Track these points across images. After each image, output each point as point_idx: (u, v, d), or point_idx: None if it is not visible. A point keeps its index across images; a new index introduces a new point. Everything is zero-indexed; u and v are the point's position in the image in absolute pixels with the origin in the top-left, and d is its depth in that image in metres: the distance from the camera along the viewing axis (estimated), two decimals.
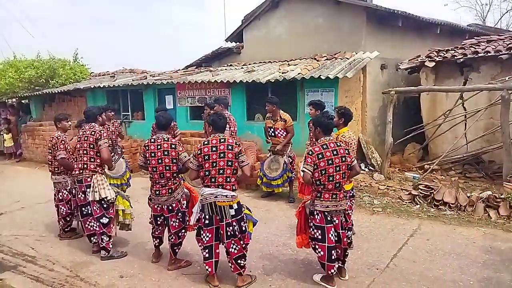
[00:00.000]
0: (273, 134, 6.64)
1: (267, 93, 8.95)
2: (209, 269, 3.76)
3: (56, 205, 5.29)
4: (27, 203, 7.15)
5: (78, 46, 38.28)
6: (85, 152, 4.52)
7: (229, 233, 3.64)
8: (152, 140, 4.13)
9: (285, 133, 6.58)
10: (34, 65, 13.35)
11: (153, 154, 4.06)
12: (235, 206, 3.67)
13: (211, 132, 3.86)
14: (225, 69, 10.87)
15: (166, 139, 4.10)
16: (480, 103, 7.77)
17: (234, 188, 3.70)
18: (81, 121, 5.88)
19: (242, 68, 10.53)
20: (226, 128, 5.73)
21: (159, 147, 4.06)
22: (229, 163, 3.64)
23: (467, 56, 7.98)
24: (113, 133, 6.69)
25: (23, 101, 14.51)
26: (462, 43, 9.07)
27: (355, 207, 6.14)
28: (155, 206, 4.19)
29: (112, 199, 4.51)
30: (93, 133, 4.53)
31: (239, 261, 3.73)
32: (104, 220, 4.50)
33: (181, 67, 13.47)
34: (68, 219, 5.29)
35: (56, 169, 5.20)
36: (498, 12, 23.35)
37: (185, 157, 4.11)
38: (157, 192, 4.10)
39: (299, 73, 8.13)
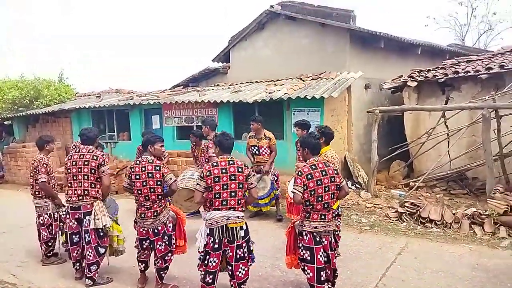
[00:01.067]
0: (257, 152, 6.65)
1: (254, 112, 9.00)
2: None
3: (37, 230, 5.14)
4: (8, 227, 6.94)
5: (63, 65, 38.20)
6: (85, 177, 4.31)
7: (238, 256, 3.58)
8: (137, 162, 4.10)
9: (269, 151, 6.60)
10: (18, 86, 13.21)
11: (138, 176, 4.01)
12: (244, 227, 3.65)
13: (218, 153, 3.81)
14: (212, 89, 10.93)
15: (151, 161, 4.07)
16: (462, 121, 7.97)
17: (243, 209, 3.69)
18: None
19: (229, 88, 10.61)
20: (213, 151, 5.72)
21: (143, 169, 4.02)
22: (240, 186, 3.60)
23: (448, 76, 8.23)
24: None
25: (5, 122, 14.25)
26: (443, 63, 9.35)
27: (342, 225, 6.18)
28: (141, 229, 4.11)
29: (109, 227, 4.39)
30: (95, 157, 4.33)
31: (242, 286, 3.67)
32: (101, 250, 4.37)
33: (168, 87, 13.50)
34: (50, 244, 5.13)
35: (37, 192, 5.07)
36: (476, 32, 24.11)
37: (171, 179, 4.07)
38: (143, 215, 4.04)
39: (285, 93, 8.24)
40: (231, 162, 3.64)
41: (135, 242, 4.25)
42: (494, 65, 7.77)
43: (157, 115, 10.60)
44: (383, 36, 9.37)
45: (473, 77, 7.96)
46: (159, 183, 4.01)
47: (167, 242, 4.09)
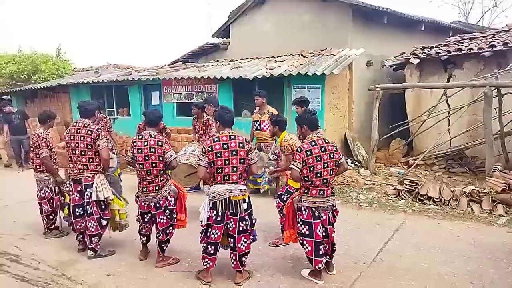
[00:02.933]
0: (258, 127, 6.61)
1: (254, 89, 8.92)
2: (210, 264, 3.72)
3: (39, 203, 5.20)
4: (10, 201, 7.00)
5: (61, 40, 37.66)
6: (83, 153, 4.31)
7: (241, 228, 3.63)
8: (140, 137, 4.09)
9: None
10: (16, 60, 13.06)
11: (140, 151, 4.01)
12: (247, 199, 3.69)
13: (218, 128, 3.80)
14: (212, 65, 10.81)
15: (153, 136, 4.06)
16: (464, 100, 7.93)
17: (245, 183, 3.73)
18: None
19: (229, 64, 10.49)
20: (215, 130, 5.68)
21: (145, 143, 4.01)
22: (242, 161, 3.62)
23: (451, 53, 8.12)
24: (103, 128, 6.61)
25: (4, 97, 14.15)
26: (446, 40, 9.22)
27: (341, 202, 6.24)
28: (142, 203, 4.14)
29: (111, 200, 4.43)
30: (89, 132, 4.30)
31: (243, 258, 3.73)
32: (103, 222, 4.42)
33: (167, 62, 13.34)
34: (52, 217, 5.19)
35: (38, 166, 5.10)
36: (481, 9, 23.69)
37: (171, 156, 4.07)
38: (144, 189, 4.06)
39: (286, 70, 8.14)
40: (232, 137, 3.63)
41: (137, 216, 4.29)
42: (498, 43, 7.66)
43: (156, 91, 10.52)
44: (386, 11, 9.18)
45: (476, 54, 7.86)
46: (161, 158, 4.01)
47: (168, 216, 4.13)
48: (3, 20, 39.10)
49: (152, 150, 3.99)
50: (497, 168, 6.47)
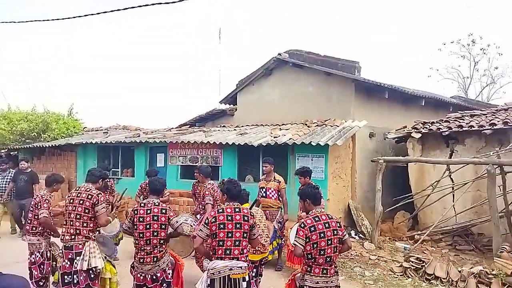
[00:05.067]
0: (264, 194, 6.55)
1: (259, 155, 9.06)
2: None
3: (29, 268, 5.00)
4: (4, 262, 6.77)
5: (74, 99, 39.03)
6: (78, 216, 4.24)
7: None
8: (142, 204, 4.03)
9: (276, 194, 6.51)
10: (28, 118, 13.43)
11: (141, 219, 3.93)
12: (247, 278, 3.55)
13: (225, 201, 3.75)
14: (218, 130, 11.07)
15: (157, 203, 4.03)
16: (467, 175, 7.94)
17: (246, 259, 3.61)
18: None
19: (234, 130, 10.74)
20: (210, 198, 5.68)
21: (148, 211, 3.95)
22: (245, 235, 3.53)
23: (452, 129, 8.29)
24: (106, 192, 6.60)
25: (11, 153, 14.36)
26: (447, 116, 9.47)
27: (345, 278, 6.00)
28: (138, 275, 3.97)
29: (100, 269, 4.26)
30: (89, 197, 4.28)
31: None
32: None
33: (175, 125, 13.70)
34: (41, 283, 4.97)
35: (34, 228, 4.99)
36: (479, 85, 24.59)
37: (177, 222, 4.01)
38: (141, 260, 3.92)
39: (290, 138, 8.31)
40: (237, 210, 3.59)
41: None
42: (498, 121, 7.85)
43: (162, 153, 10.66)
44: (387, 87, 9.58)
45: (477, 131, 8.02)
46: (163, 226, 3.94)
47: None
48: (20, 77, 40.97)
49: (155, 218, 3.92)
50: (505, 248, 6.29)
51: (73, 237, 4.23)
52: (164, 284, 3.97)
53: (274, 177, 6.58)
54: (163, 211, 3.98)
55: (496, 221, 6.59)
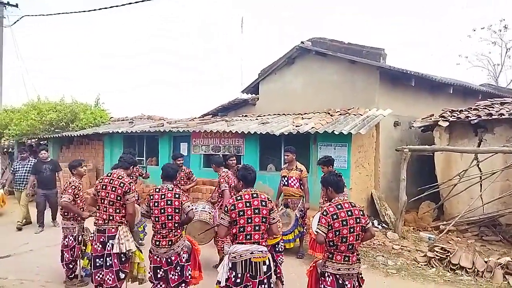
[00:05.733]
0: (286, 183, 6.59)
1: (280, 145, 9.06)
2: None
3: (61, 251, 5.26)
4: (35, 246, 7.12)
5: (101, 90, 39.96)
6: (111, 203, 4.39)
7: None
8: (157, 190, 4.20)
9: (298, 183, 6.52)
10: (57, 108, 13.84)
11: (156, 204, 4.10)
12: (267, 262, 3.61)
13: (241, 187, 3.81)
14: (240, 120, 11.11)
15: (171, 188, 4.18)
16: (496, 165, 7.70)
17: (266, 243, 3.67)
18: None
19: (256, 119, 10.76)
20: (225, 185, 5.73)
21: (163, 196, 4.11)
22: (264, 220, 3.59)
23: (481, 117, 8.03)
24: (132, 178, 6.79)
25: (41, 142, 14.89)
26: (476, 104, 9.16)
27: (367, 267, 5.98)
28: (155, 257, 4.12)
29: (132, 253, 4.43)
30: (122, 184, 4.40)
31: None
32: (122, 275, 4.40)
33: (198, 114, 13.85)
34: (71, 266, 5.22)
35: (66, 213, 5.24)
36: (511, 72, 23.63)
37: (188, 206, 4.13)
38: (157, 243, 4.07)
39: (312, 127, 8.25)
40: (254, 195, 3.64)
41: (149, 273, 4.23)
42: None
43: (185, 142, 10.82)
44: (413, 74, 9.34)
45: (508, 119, 7.75)
46: (177, 210, 4.08)
47: (179, 273, 4.08)
48: (47, 69, 42.18)
49: (169, 202, 4.07)
50: None
51: (106, 221, 4.40)
52: (178, 267, 4.09)
53: (296, 166, 6.58)
54: (176, 195, 4.13)
55: None
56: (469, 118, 8.20)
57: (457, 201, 8.39)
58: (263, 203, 3.62)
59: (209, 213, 5.63)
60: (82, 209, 5.34)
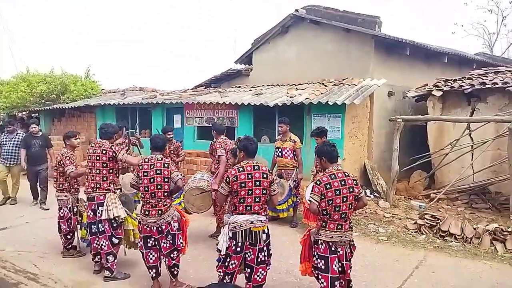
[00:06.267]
0: (280, 154, 6.63)
1: (274, 116, 9.03)
2: None
3: (58, 222, 5.31)
4: (31, 218, 7.17)
5: (91, 62, 39.14)
6: (97, 171, 4.51)
7: (259, 259, 3.62)
8: (146, 160, 4.20)
9: (292, 154, 6.56)
10: (47, 80, 13.58)
11: (145, 173, 4.11)
12: (266, 230, 3.69)
13: (242, 158, 3.79)
14: (234, 91, 11.00)
15: (160, 158, 4.18)
16: (488, 134, 7.77)
17: (266, 213, 3.74)
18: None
19: (250, 90, 10.66)
20: (222, 151, 5.69)
21: (152, 166, 4.12)
22: (264, 192, 3.63)
23: (475, 86, 8.03)
24: (127, 150, 6.76)
25: (32, 115, 14.71)
26: (470, 73, 9.13)
27: (359, 234, 6.12)
28: (145, 227, 4.14)
29: (122, 219, 4.52)
30: (104, 151, 4.51)
31: None
32: (115, 240, 4.51)
33: (191, 86, 13.67)
34: (69, 237, 5.29)
35: (60, 185, 5.26)
36: (506, 41, 23.38)
37: (177, 175, 4.15)
38: (147, 212, 4.09)
39: (306, 98, 8.22)
40: (256, 168, 3.65)
41: (138, 242, 4.29)
42: None
43: (178, 114, 10.74)
44: (408, 43, 9.23)
45: (501, 89, 7.75)
46: (166, 180, 4.10)
47: (171, 241, 4.14)
48: (35, 40, 41.07)
49: (158, 172, 4.09)
50: None
51: (94, 189, 4.50)
52: (169, 236, 4.14)
53: (290, 137, 6.60)
54: (166, 165, 4.14)
55: None
56: (463, 87, 8.20)
57: (448, 170, 8.52)
58: (264, 176, 3.64)
59: (207, 181, 5.66)
60: (77, 182, 5.36)
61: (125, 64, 45.37)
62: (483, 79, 8.23)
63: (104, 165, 4.51)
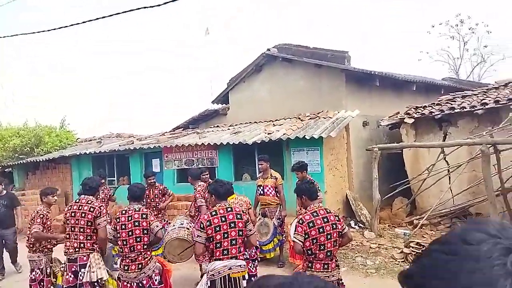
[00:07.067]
0: (262, 192, 6.54)
1: (254, 153, 9.06)
2: None
3: (29, 285, 4.99)
4: (3, 282, 6.75)
5: (66, 112, 38.73)
6: (81, 230, 4.24)
7: None
8: (123, 212, 4.06)
9: (274, 191, 6.51)
10: (20, 134, 13.34)
11: (123, 226, 3.95)
12: (246, 276, 3.57)
13: (214, 201, 3.73)
14: (212, 131, 11.05)
15: (137, 209, 4.05)
16: (461, 157, 7.97)
17: (244, 257, 3.63)
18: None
19: (228, 129, 10.72)
20: (201, 200, 5.65)
21: (129, 218, 3.97)
22: (240, 233, 3.54)
23: (444, 112, 8.32)
24: (103, 200, 6.58)
25: (5, 170, 14.26)
26: (438, 99, 9.49)
27: (347, 269, 6.02)
28: (125, 283, 3.96)
29: (104, 280, 4.28)
30: (91, 209, 4.27)
31: None
32: None
33: (169, 129, 13.66)
34: None
35: (32, 245, 4.98)
36: (470, 64, 24.61)
37: (157, 226, 4.02)
38: (126, 267, 3.92)
39: (284, 134, 8.30)
40: (229, 209, 3.59)
41: None
42: (489, 100, 7.87)
43: (157, 158, 10.63)
44: (377, 75, 9.58)
45: (470, 112, 8.05)
46: (145, 231, 3.96)
47: None
48: (10, 94, 40.57)
49: (137, 223, 3.94)
50: None
51: (77, 250, 4.24)
52: None
53: (271, 174, 6.57)
54: (144, 216, 4.01)
55: (493, 200, 6.63)
56: (433, 114, 8.47)
57: (428, 195, 8.62)
58: (238, 216, 3.58)
59: (187, 228, 5.50)
60: (50, 242, 5.12)
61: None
62: (451, 104, 8.55)
63: (89, 223, 4.24)
